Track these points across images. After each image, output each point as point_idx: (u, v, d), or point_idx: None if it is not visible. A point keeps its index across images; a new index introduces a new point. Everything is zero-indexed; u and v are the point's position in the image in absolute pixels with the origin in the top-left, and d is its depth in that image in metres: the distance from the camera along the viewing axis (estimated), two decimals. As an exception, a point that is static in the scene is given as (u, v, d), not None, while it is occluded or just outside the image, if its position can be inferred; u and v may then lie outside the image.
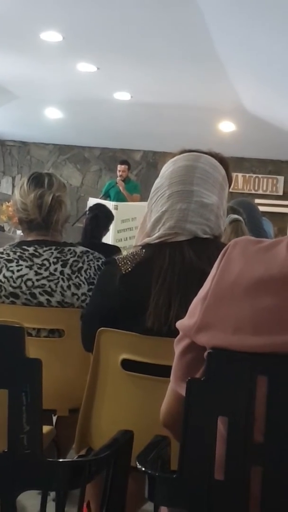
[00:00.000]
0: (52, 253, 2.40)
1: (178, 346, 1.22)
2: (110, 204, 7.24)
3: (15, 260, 2.38)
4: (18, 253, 2.40)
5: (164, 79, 8.04)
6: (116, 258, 1.82)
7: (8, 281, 2.35)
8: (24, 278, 2.36)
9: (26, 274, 2.36)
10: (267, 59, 6.71)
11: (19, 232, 6.66)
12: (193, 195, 1.78)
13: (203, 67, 7.32)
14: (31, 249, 2.41)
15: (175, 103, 8.89)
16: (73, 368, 2.32)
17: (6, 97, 9.52)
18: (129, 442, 1.62)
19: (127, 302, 1.75)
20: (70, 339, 2.30)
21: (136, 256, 1.79)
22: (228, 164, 1.93)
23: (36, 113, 10.32)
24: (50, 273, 2.37)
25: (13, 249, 2.42)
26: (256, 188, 11.39)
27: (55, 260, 2.39)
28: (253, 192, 11.23)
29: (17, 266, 2.37)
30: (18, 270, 2.36)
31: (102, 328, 1.77)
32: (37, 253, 2.40)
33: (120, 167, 9.23)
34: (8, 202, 7.08)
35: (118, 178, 9.13)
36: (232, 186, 2.00)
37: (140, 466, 1.25)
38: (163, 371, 1.45)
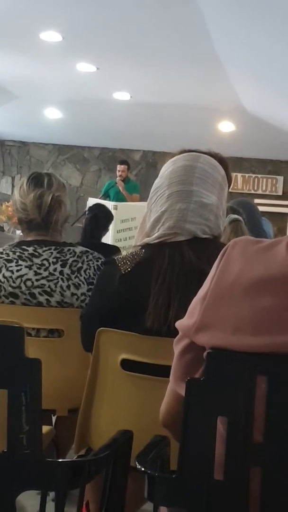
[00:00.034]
0: (52, 253, 2.40)
1: (178, 346, 1.22)
2: (109, 204, 7.23)
3: (15, 260, 2.38)
4: (17, 253, 2.40)
5: (163, 79, 8.05)
6: (115, 258, 1.82)
7: (8, 281, 2.35)
8: (24, 278, 2.36)
9: (26, 274, 2.36)
10: (267, 59, 6.71)
11: (18, 232, 6.67)
12: (193, 195, 1.78)
13: (203, 67, 7.33)
14: (30, 249, 2.41)
15: (174, 103, 8.89)
16: (72, 368, 2.32)
17: (5, 97, 9.52)
18: (129, 442, 1.62)
19: (126, 302, 1.75)
20: (70, 339, 2.30)
21: (135, 256, 1.79)
22: (228, 164, 1.93)
23: (35, 113, 10.32)
24: (50, 273, 2.37)
25: (13, 249, 2.42)
26: (255, 188, 11.40)
27: (54, 260, 2.39)
28: (252, 192, 11.23)
29: (16, 266, 2.37)
30: (17, 270, 2.36)
31: (101, 328, 1.77)
32: (36, 253, 2.40)
33: (119, 167, 9.23)
34: (8, 202, 7.08)
35: (117, 178, 9.13)
36: (231, 186, 2.00)
37: (139, 466, 1.25)
38: (163, 371, 1.45)
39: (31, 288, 2.35)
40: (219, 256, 1.16)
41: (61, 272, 2.37)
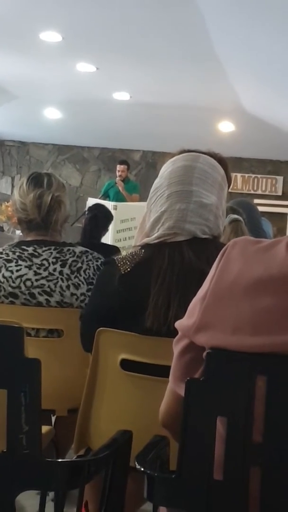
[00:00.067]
0: (51, 253, 2.40)
1: (177, 346, 1.22)
2: (109, 204, 7.23)
3: (14, 260, 2.38)
4: (17, 253, 2.40)
5: (163, 79, 8.04)
6: (115, 258, 1.82)
7: (7, 281, 2.35)
8: (23, 278, 2.36)
9: (25, 274, 2.36)
10: (267, 59, 6.71)
11: (18, 232, 6.67)
12: (192, 195, 1.78)
13: (202, 67, 7.33)
14: (30, 249, 2.41)
15: (174, 103, 8.89)
16: (72, 368, 2.32)
17: (5, 97, 9.52)
18: (128, 442, 1.62)
19: (126, 302, 1.75)
20: (69, 339, 2.30)
21: (135, 256, 1.79)
22: (227, 164, 1.93)
23: (35, 113, 10.32)
24: (49, 273, 2.37)
25: (12, 249, 2.42)
26: (255, 188, 11.40)
27: (54, 260, 2.39)
28: (252, 192, 11.24)
29: (16, 266, 2.37)
30: (17, 270, 2.36)
31: (101, 328, 1.77)
32: (36, 253, 2.40)
33: (119, 167, 9.23)
34: (7, 202, 7.08)
35: (117, 178, 9.13)
36: (231, 186, 2.00)
37: (139, 466, 1.25)
38: (162, 371, 1.45)
39: (30, 288, 2.35)
40: (218, 256, 1.16)
41: (60, 272, 2.37)
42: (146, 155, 11.72)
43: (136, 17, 6.23)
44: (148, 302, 1.70)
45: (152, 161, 11.59)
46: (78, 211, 9.88)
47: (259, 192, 11.32)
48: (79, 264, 2.40)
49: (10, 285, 2.35)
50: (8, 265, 2.37)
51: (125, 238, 7.84)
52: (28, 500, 2.16)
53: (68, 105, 9.80)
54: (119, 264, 1.78)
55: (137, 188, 9.25)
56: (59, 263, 2.38)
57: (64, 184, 2.55)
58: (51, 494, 1.53)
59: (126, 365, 1.76)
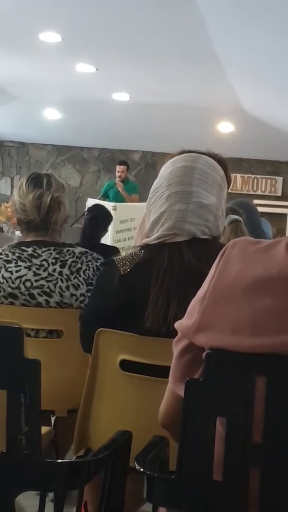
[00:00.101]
0: (51, 253, 2.40)
1: (177, 346, 1.22)
2: (108, 205, 7.23)
3: (14, 261, 2.38)
4: (16, 254, 2.40)
5: (163, 79, 8.05)
6: (114, 258, 1.82)
7: (7, 281, 2.35)
8: (23, 279, 2.35)
9: (25, 274, 2.36)
10: (267, 59, 6.71)
11: (17, 232, 6.67)
12: (192, 196, 1.78)
13: (202, 67, 7.33)
14: (29, 250, 2.41)
15: (174, 104, 8.90)
16: (71, 369, 2.32)
17: (5, 98, 9.52)
18: (128, 442, 1.62)
19: (125, 302, 1.75)
20: (69, 340, 2.30)
21: (134, 257, 1.79)
22: (227, 164, 1.93)
23: (35, 114, 10.32)
24: (49, 274, 2.37)
25: (12, 250, 2.42)
26: (254, 188, 11.40)
27: (53, 260, 2.39)
28: (251, 192, 11.24)
29: (15, 266, 2.37)
30: (16, 271, 2.36)
31: (100, 328, 1.77)
32: (35, 254, 2.40)
33: (118, 168, 9.23)
34: (7, 203, 7.08)
35: (117, 179, 9.13)
36: (230, 187, 2.00)
37: (138, 467, 1.25)
38: (162, 372, 1.45)
39: (30, 289, 2.35)
40: (218, 257, 1.16)
41: (60, 273, 2.37)
42: (146, 155, 11.72)
43: (135, 18, 6.23)
44: (148, 302, 1.70)
45: (151, 161, 11.59)
46: (78, 211, 9.88)
47: (259, 192, 11.32)
48: (79, 265, 2.40)
49: (9, 286, 2.35)
50: (7, 265, 2.37)
51: (125, 238, 7.84)
52: (27, 500, 2.15)
53: (67, 106, 9.81)
54: (118, 265, 1.78)
55: (137, 189, 9.25)
56: (59, 263, 2.38)
57: (63, 185, 2.55)
58: (50, 495, 1.53)
59: (126, 365, 1.76)
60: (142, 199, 7.20)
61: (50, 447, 2.30)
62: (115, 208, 7.72)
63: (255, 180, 11.40)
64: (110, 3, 5.97)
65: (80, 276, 2.38)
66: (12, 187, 11.67)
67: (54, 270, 2.37)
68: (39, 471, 1.39)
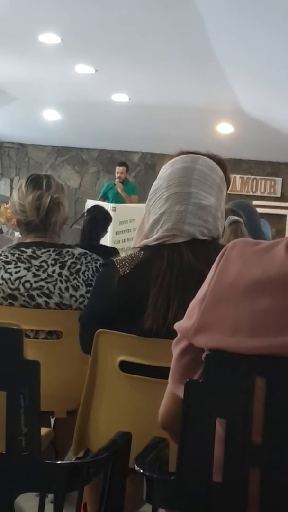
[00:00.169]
0: (50, 255, 2.40)
1: (176, 347, 1.22)
2: (108, 206, 7.23)
3: (13, 262, 2.38)
4: (16, 255, 2.40)
5: (162, 80, 8.05)
6: (114, 260, 1.82)
7: (6, 282, 2.35)
8: (22, 280, 2.35)
9: (24, 276, 2.36)
10: (267, 60, 6.71)
11: (17, 234, 6.66)
12: (191, 197, 1.78)
13: (202, 68, 7.33)
14: (29, 251, 2.41)
15: (173, 105, 8.90)
16: (71, 370, 2.32)
17: (4, 99, 9.52)
18: (127, 444, 1.62)
19: (125, 303, 1.75)
20: (68, 341, 2.30)
21: (134, 258, 1.79)
22: (226, 165, 1.93)
23: (34, 115, 10.32)
24: (48, 275, 2.37)
25: (11, 251, 2.42)
26: (254, 190, 11.39)
27: (53, 262, 2.39)
28: (251, 194, 11.23)
29: (15, 268, 2.37)
30: (16, 272, 2.36)
31: (100, 329, 1.77)
32: (35, 255, 2.40)
33: (118, 169, 9.23)
34: (6, 204, 7.08)
35: (116, 180, 9.13)
36: (230, 188, 2.00)
37: (138, 468, 1.25)
38: (161, 373, 1.45)
39: (29, 290, 2.35)
40: (217, 258, 1.16)
41: (59, 274, 2.37)
42: (145, 156, 11.72)
43: (135, 18, 6.23)
44: (147, 303, 1.70)
45: (151, 162, 11.59)
46: (77, 212, 9.88)
47: (258, 193, 11.32)
48: (78, 266, 2.40)
49: (9, 287, 2.35)
50: (7, 267, 2.37)
51: (124, 239, 7.84)
52: (27, 502, 2.15)
53: (67, 107, 9.81)
54: (118, 266, 1.78)
55: (136, 190, 9.26)
56: (58, 264, 2.38)
57: (63, 186, 2.55)
58: (50, 496, 1.53)
59: (125, 366, 1.76)
60: (142, 200, 7.20)
61: (49, 448, 2.30)
62: (114, 209, 7.72)
63: (255, 181, 11.40)
64: (109, 3, 5.97)
65: (79, 277, 2.38)
66: (12, 188, 11.67)
67: (53, 271, 2.37)
68: (38, 472, 1.39)
